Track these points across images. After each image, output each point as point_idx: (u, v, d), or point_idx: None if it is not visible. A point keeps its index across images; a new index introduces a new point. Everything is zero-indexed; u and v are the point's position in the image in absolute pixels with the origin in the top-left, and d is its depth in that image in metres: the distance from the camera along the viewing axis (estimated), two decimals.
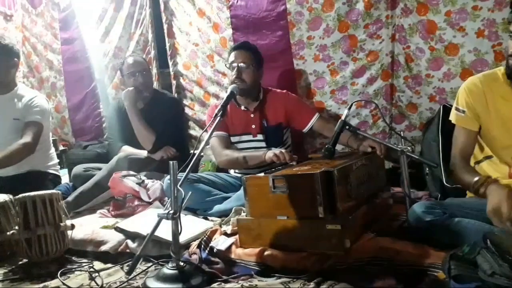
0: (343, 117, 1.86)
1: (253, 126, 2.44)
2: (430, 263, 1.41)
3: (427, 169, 2.26)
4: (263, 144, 2.42)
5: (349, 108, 1.89)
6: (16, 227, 1.90)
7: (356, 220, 1.66)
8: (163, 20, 3.11)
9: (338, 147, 2.42)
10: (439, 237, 1.51)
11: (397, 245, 1.53)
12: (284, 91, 2.51)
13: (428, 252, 1.47)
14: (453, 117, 1.77)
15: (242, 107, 2.45)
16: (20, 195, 1.90)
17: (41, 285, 1.69)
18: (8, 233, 1.92)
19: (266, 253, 1.63)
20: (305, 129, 2.43)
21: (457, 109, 1.75)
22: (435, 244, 1.49)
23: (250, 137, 2.46)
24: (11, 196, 2.04)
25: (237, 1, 2.74)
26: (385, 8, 2.40)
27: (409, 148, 1.77)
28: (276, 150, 2.07)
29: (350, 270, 1.48)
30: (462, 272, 1.23)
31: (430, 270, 1.39)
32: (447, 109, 2.12)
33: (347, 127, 1.87)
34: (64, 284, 1.67)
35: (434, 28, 2.29)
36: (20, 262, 1.95)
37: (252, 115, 2.45)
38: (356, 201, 1.73)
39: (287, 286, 1.48)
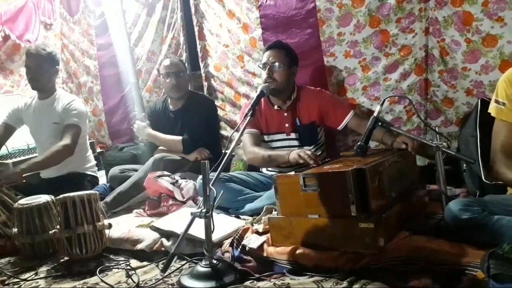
0: (375, 114, 1.83)
1: (286, 125, 2.43)
2: (468, 262, 1.36)
3: (464, 165, 2.18)
4: (296, 143, 2.40)
5: (382, 104, 1.85)
6: (58, 226, 1.98)
7: (390, 218, 1.62)
8: (194, 23, 3.15)
9: (372, 144, 2.39)
10: (477, 236, 1.46)
11: (433, 244, 1.49)
12: (318, 88, 2.48)
13: (466, 251, 1.42)
14: (492, 110, 1.70)
15: (275, 107, 2.43)
16: (61, 196, 1.97)
17: (81, 282, 1.76)
18: (50, 232, 2.01)
19: (298, 251, 1.63)
20: (340, 127, 2.38)
21: (496, 101, 1.67)
22: (473, 243, 1.44)
23: (283, 136, 2.44)
24: (52, 197, 2.14)
25: (266, 1, 2.74)
26: (418, 1, 2.33)
27: (444, 143, 1.72)
28: (301, 151, 2.03)
29: (384, 269, 1.45)
30: (502, 271, 1.18)
31: (468, 269, 1.34)
32: (485, 103, 2.04)
33: (379, 123, 1.83)
34: (102, 281, 1.73)
35: (471, 20, 2.20)
36: (62, 260, 2.03)
37: (285, 114, 2.43)
38: (390, 199, 1.70)
39: (319, 285, 1.48)
